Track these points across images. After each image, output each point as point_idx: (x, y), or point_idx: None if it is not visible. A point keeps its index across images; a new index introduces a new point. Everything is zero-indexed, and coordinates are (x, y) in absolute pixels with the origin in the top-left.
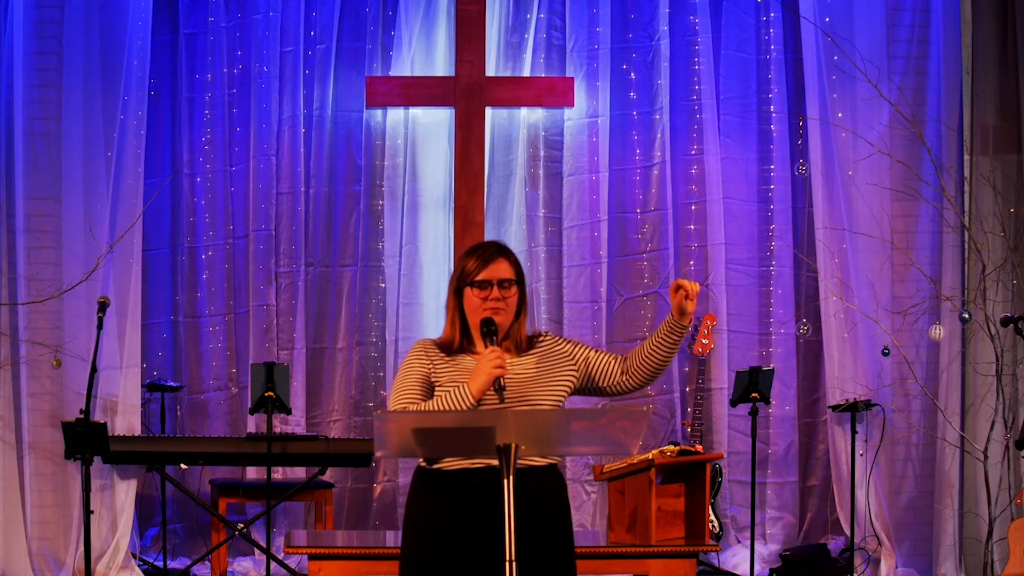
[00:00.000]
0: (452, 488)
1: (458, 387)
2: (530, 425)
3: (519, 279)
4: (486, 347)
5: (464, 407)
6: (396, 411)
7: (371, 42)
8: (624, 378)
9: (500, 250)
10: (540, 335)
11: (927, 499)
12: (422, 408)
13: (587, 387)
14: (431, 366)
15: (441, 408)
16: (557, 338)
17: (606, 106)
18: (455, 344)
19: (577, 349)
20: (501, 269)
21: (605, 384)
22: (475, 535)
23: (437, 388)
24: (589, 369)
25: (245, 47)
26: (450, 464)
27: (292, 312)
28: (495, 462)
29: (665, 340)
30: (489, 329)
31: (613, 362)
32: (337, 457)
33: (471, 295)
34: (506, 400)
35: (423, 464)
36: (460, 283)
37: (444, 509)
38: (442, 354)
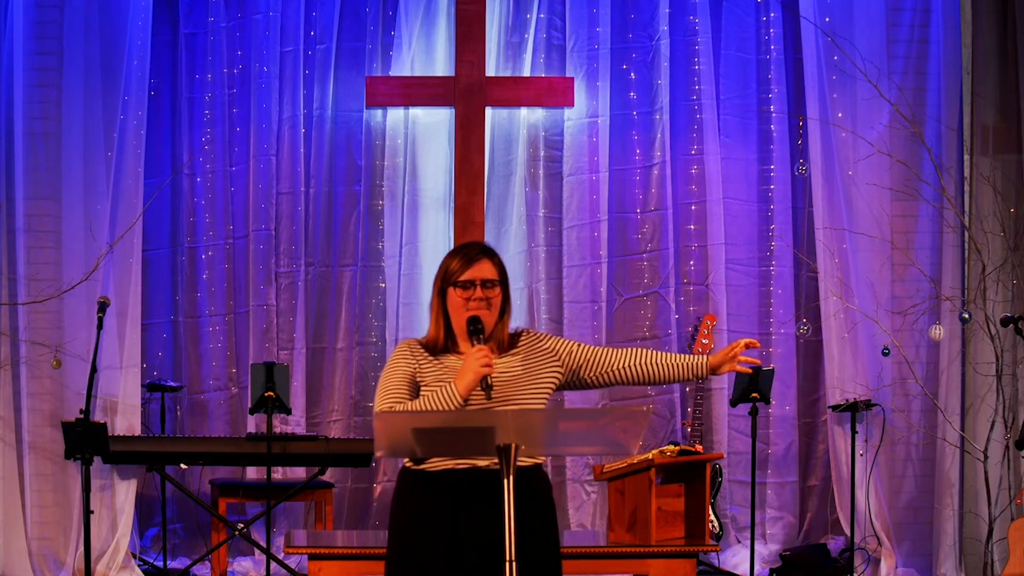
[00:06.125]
0: (438, 488)
1: (445, 386)
2: (530, 425)
3: (502, 280)
4: (472, 346)
5: (452, 406)
6: (395, 412)
7: (371, 42)
8: (614, 373)
9: (483, 251)
10: (521, 333)
11: (927, 499)
12: (409, 408)
13: (571, 381)
14: (416, 366)
15: (428, 407)
16: (538, 334)
17: (606, 106)
18: (439, 344)
19: (559, 344)
20: (484, 269)
21: (589, 376)
22: (461, 535)
23: (423, 388)
24: (572, 362)
25: (245, 47)
26: (435, 464)
27: (292, 312)
28: (481, 462)
29: (682, 375)
30: (475, 328)
31: (600, 354)
32: (337, 457)
33: (454, 295)
34: (492, 399)
35: (408, 464)
36: (444, 283)
37: (430, 509)
38: (427, 354)
